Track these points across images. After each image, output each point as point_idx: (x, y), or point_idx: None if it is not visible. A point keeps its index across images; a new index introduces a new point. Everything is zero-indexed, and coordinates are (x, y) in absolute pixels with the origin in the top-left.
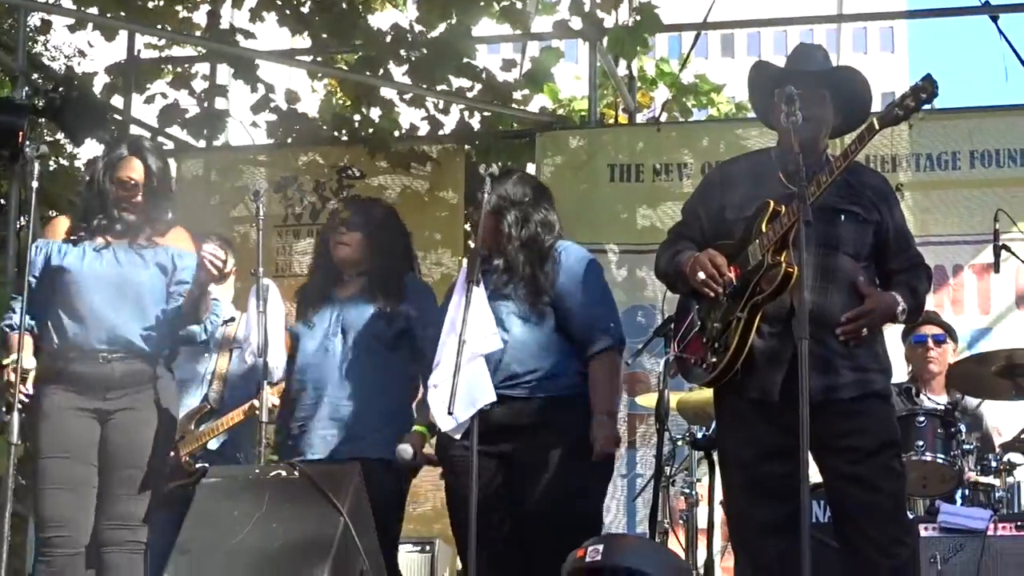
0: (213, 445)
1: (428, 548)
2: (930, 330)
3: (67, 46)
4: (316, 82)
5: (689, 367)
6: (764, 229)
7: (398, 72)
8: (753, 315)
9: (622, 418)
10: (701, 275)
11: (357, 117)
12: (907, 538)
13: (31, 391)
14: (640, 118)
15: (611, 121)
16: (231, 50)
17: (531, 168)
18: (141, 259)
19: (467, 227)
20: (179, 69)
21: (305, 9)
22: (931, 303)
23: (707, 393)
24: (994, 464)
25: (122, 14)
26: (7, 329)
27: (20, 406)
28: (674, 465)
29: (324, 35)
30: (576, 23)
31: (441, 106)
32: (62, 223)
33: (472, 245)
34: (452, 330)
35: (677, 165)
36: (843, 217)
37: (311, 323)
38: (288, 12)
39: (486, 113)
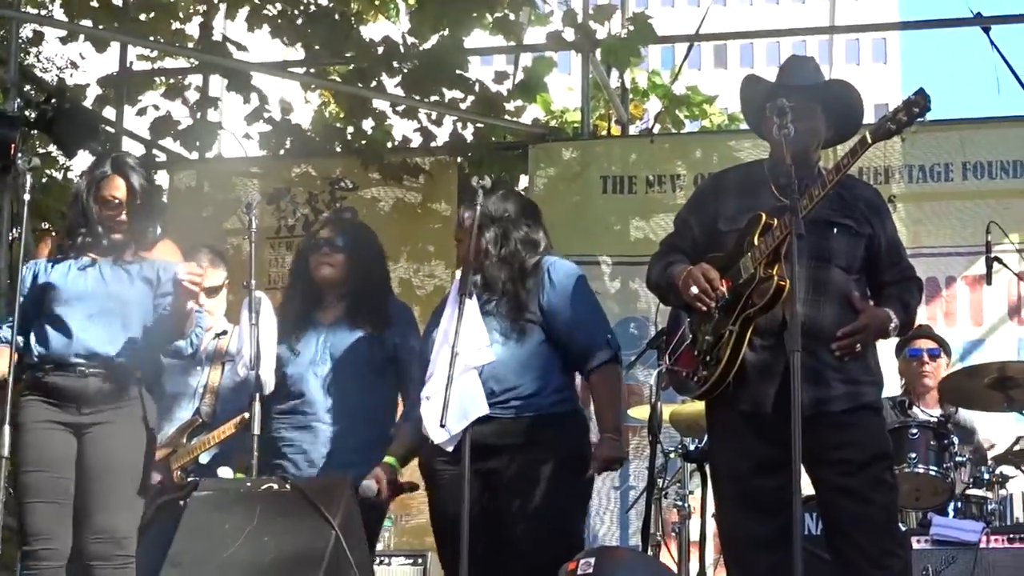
0: (205, 459)
1: (420, 561)
2: (925, 344)
3: (59, 58)
4: (310, 93)
5: (681, 380)
6: (756, 242)
7: (391, 84)
8: (745, 328)
9: None
10: (694, 290)
11: (350, 129)
12: (899, 550)
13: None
14: (633, 130)
15: (604, 133)
16: (224, 62)
17: (524, 180)
18: (127, 275)
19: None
20: (172, 81)
21: (298, 21)
22: (924, 315)
23: (700, 405)
24: (987, 476)
25: (115, 25)
26: None
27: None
28: (667, 477)
29: (317, 47)
30: (569, 34)
31: (434, 118)
32: (50, 244)
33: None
34: (445, 342)
35: (670, 177)
36: (836, 230)
37: (296, 351)
38: (281, 24)
39: (479, 125)
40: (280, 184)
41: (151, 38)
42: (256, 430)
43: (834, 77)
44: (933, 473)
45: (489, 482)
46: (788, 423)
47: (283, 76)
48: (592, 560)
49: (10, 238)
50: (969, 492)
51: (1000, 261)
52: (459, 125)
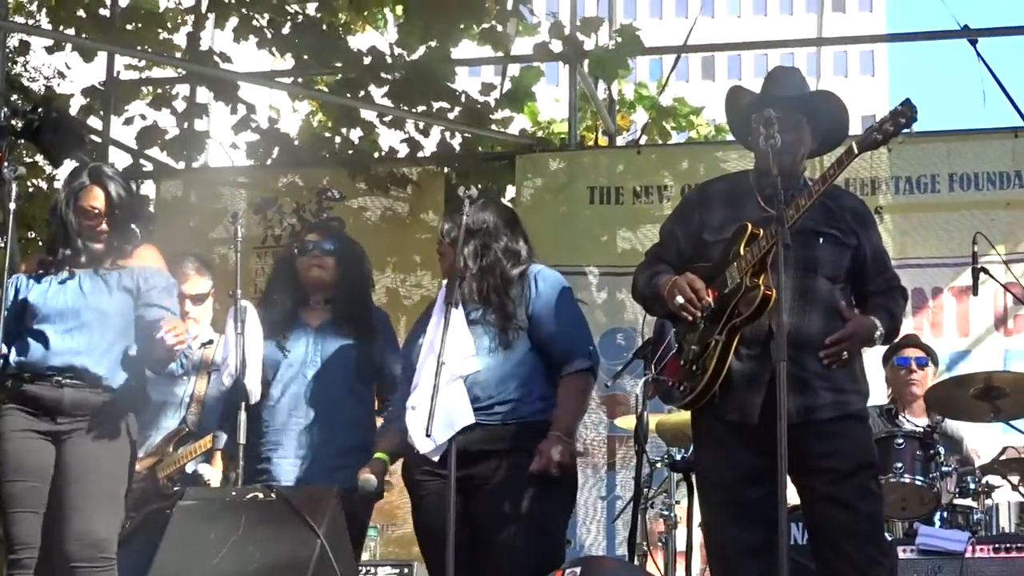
0: (191, 468)
1: (407, 570)
2: (913, 353)
3: (46, 67)
4: (297, 102)
5: (667, 389)
6: (742, 252)
7: (378, 94)
8: (731, 338)
9: (602, 440)
10: (679, 299)
11: (337, 139)
12: (884, 559)
13: None
14: (620, 141)
15: (591, 143)
16: (211, 72)
17: (511, 190)
18: (105, 285)
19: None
20: (159, 90)
21: (286, 30)
22: (910, 326)
23: (686, 415)
24: (973, 486)
25: (102, 35)
26: None
27: None
28: (653, 487)
29: (304, 56)
30: (557, 46)
31: (421, 128)
32: (33, 259)
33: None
34: (431, 351)
35: (657, 187)
36: (821, 240)
37: (286, 351)
38: (268, 34)
39: (466, 135)
40: (267, 193)
41: (138, 47)
42: (242, 439)
43: (821, 88)
44: (919, 483)
45: (472, 488)
46: (774, 432)
47: (271, 86)
48: (578, 570)
49: None
50: (955, 502)
51: (986, 272)
52: (446, 135)
